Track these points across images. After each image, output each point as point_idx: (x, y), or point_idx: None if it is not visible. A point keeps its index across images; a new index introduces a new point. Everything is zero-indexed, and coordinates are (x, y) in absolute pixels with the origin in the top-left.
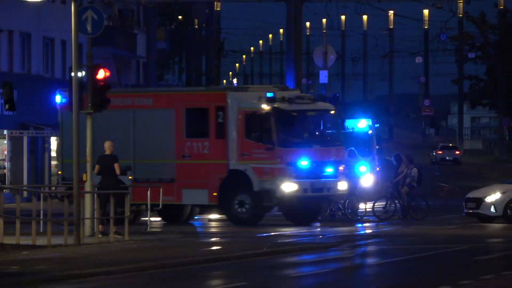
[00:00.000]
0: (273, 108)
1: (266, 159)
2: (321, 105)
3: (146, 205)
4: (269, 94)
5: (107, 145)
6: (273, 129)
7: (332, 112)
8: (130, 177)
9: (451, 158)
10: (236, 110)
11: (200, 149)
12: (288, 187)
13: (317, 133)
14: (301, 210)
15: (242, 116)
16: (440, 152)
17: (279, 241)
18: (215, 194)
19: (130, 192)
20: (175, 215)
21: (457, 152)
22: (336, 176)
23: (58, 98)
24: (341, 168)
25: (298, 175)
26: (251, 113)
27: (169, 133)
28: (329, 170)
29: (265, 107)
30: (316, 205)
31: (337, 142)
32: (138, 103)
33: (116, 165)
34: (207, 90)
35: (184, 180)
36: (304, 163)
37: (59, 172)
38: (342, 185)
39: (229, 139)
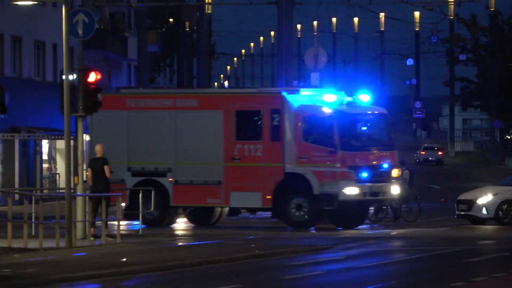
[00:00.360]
0: (336, 111)
1: (326, 162)
2: (376, 108)
3: (184, 207)
4: (328, 97)
5: (98, 148)
6: (335, 132)
7: (385, 115)
8: (170, 179)
9: (434, 158)
10: (293, 113)
11: (252, 152)
12: (351, 190)
13: (374, 136)
14: (348, 213)
15: (300, 118)
16: (423, 152)
17: (272, 243)
18: (269, 197)
19: (126, 194)
20: (203, 218)
21: (440, 153)
22: (390, 180)
23: None
24: (397, 172)
25: (358, 179)
26: (310, 116)
27: (216, 135)
28: (385, 174)
29: (327, 110)
30: (364, 208)
31: (391, 146)
32: (181, 105)
33: (106, 168)
34: (260, 92)
35: (233, 183)
36: (364, 166)
37: (88, 174)
38: (395, 189)
39: (285, 142)
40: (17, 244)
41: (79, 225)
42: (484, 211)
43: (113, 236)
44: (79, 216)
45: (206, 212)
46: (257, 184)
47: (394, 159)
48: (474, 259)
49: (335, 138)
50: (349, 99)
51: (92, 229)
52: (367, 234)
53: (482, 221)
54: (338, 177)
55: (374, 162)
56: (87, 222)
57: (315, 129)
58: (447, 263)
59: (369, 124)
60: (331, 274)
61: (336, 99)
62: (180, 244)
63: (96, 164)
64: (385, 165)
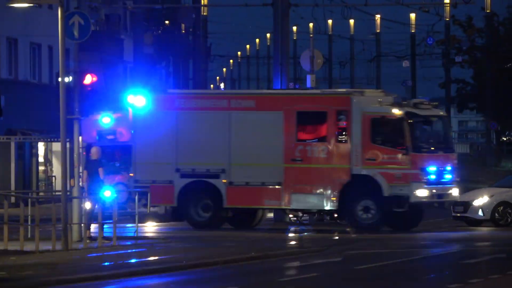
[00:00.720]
0: (406, 113)
1: (396, 164)
2: (439, 110)
3: (238, 209)
4: (397, 99)
5: (94, 150)
6: (406, 134)
7: (446, 116)
8: (224, 181)
9: None
10: (360, 114)
11: (315, 153)
12: (421, 192)
13: (439, 138)
14: (403, 216)
15: (368, 120)
16: None
17: (266, 245)
18: (333, 199)
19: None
20: (245, 220)
21: None
22: (452, 182)
23: (131, 99)
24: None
25: (427, 181)
26: (379, 118)
27: (274, 136)
28: (448, 176)
29: (397, 111)
30: (419, 210)
31: (452, 148)
32: (236, 105)
33: (100, 170)
34: (325, 93)
35: (295, 184)
36: (432, 168)
37: (131, 174)
38: (455, 191)
39: (352, 143)
40: (13, 246)
41: (75, 228)
42: (480, 212)
43: (109, 239)
44: (75, 218)
45: (248, 215)
46: (320, 185)
47: (454, 161)
48: (471, 261)
49: (407, 140)
50: (417, 101)
51: (88, 231)
52: (362, 236)
53: (478, 222)
54: (410, 179)
55: (440, 164)
56: (83, 224)
57: (384, 131)
58: (444, 264)
59: (435, 126)
60: (325, 276)
61: (402, 100)
62: (175, 246)
63: (91, 167)
64: (449, 167)
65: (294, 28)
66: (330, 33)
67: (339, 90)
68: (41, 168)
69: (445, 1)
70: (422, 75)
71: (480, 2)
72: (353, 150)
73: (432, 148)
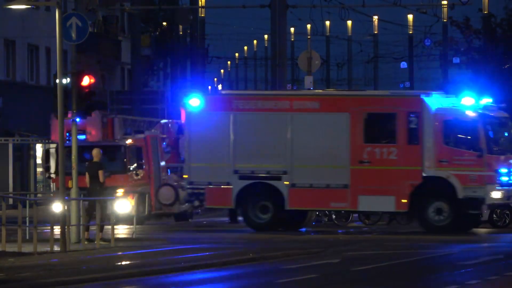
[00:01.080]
0: (480, 115)
1: (470, 166)
2: (502, 112)
3: (301, 211)
4: (468, 101)
5: (95, 152)
6: (481, 136)
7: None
8: (286, 182)
9: None
10: (432, 116)
11: (384, 155)
12: (496, 194)
13: (510, 139)
14: (467, 217)
15: (440, 122)
16: None
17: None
18: (404, 201)
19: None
20: (293, 221)
21: None
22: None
23: (193, 101)
24: None
25: (500, 183)
26: (452, 119)
27: (340, 138)
28: None
29: (470, 113)
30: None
31: None
32: (299, 107)
33: (100, 172)
34: (395, 95)
35: (362, 186)
36: (505, 170)
37: (185, 176)
38: None
39: (424, 145)
40: (11, 248)
41: (73, 229)
42: None
43: (107, 240)
44: (73, 220)
45: (297, 216)
46: (390, 187)
47: None
48: (469, 262)
49: (482, 141)
50: (488, 100)
51: (86, 233)
52: (360, 237)
53: (480, 224)
54: (485, 181)
55: (509, 166)
56: (81, 226)
57: (457, 133)
58: (442, 266)
59: (505, 127)
60: (323, 277)
61: (474, 102)
62: (172, 248)
63: (92, 169)
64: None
65: (292, 29)
66: (327, 34)
67: (410, 91)
68: (39, 169)
69: (442, 3)
70: (419, 76)
71: (477, 3)
72: (425, 152)
73: (503, 150)
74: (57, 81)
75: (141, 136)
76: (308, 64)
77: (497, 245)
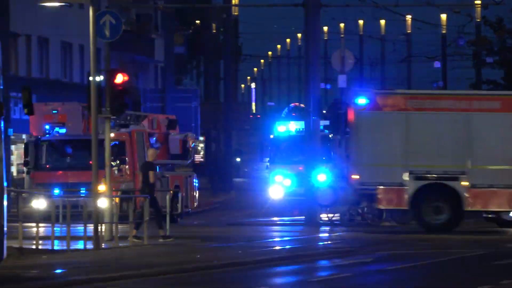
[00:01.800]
0: None
1: None
2: None
3: (480, 212)
4: None
5: (150, 152)
6: None
7: None
8: (464, 183)
9: None
10: None
11: None
12: None
13: None
14: None
15: None
16: None
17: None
18: None
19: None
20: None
21: None
22: None
23: (361, 100)
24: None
25: None
26: None
27: None
28: None
29: None
30: None
31: None
32: (479, 106)
33: (151, 173)
34: None
35: None
36: None
37: (354, 177)
38: None
39: None
40: (44, 245)
41: (106, 227)
42: (511, 213)
43: (140, 238)
44: (106, 217)
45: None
46: None
47: None
48: (502, 262)
49: None
50: None
51: (134, 231)
52: (390, 237)
53: (510, 224)
54: None
55: None
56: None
57: None
58: (475, 266)
59: None
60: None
61: None
62: (209, 245)
63: (144, 168)
64: None
65: (325, 28)
66: (360, 33)
67: None
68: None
69: (476, 2)
70: (452, 76)
71: (510, 3)
72: None
73: None
74: (91, 78)
75: (125, 130)
76: (342, 63)
77: None
